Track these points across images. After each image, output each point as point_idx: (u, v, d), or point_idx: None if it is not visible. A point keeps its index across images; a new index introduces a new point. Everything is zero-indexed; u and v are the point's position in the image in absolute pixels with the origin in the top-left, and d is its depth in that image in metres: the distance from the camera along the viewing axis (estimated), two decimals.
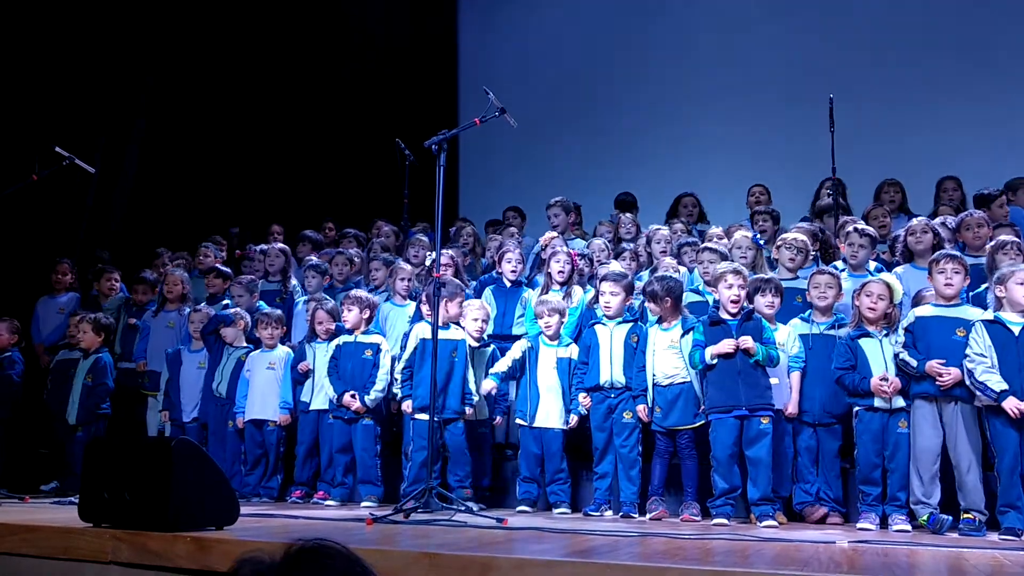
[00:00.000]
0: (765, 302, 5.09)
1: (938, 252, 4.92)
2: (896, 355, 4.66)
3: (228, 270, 7.25)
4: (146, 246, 8.36)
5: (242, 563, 1.32)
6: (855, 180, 7.27)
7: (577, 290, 6.05)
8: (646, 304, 5.35)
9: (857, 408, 4.79)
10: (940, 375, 4.47)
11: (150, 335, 6.89)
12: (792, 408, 5.02)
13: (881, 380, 4.65)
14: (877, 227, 6.36)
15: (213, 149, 9.81)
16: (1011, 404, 4.25)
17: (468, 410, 5.46)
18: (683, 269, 6.16)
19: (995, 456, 4.40)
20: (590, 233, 7.97)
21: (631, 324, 5.38)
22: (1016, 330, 4.40)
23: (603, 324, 5.43)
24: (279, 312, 6.40)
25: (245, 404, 6.09)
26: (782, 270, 5.67)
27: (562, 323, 5.59)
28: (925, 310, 4.74)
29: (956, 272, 4.68)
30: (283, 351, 6.21)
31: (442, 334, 5.16)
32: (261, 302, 6.71)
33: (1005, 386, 4.29)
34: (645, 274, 6.24)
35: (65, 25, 8.45)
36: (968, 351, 4.44)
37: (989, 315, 4.52)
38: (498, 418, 5.72)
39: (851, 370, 4.78)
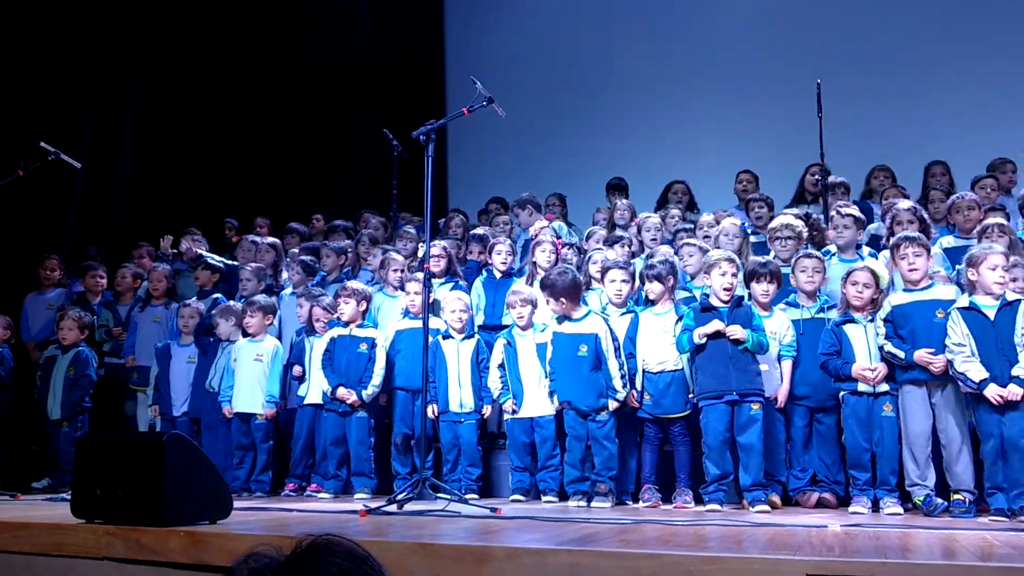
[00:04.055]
0: (761, 289, 5.09)
1: (896, 236, 4.85)
2: (881, 347, 4.63)
3: (219, 264, 7.22)
4: (132, 240, 8.31)
5: (246, 557, 1.32)
6: (844, 165, 7.27)
7: None
8: (646, 287, 5.33)
9: (842, 393, 4.80)
10: (931, 363, 4.45)
11: (137, 331, 6.87)
12: (782, 398, 5.01)
13: (864, 370, 4.65)
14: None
15: (199, 143, 9.76)
16: (992, 392, 4.22)
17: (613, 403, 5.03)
18: (677, 259, 6.13)
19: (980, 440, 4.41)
20: (577, 222, 7.98)
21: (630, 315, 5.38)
22: (991, 314, 4.35)
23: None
24: (270, 301, 6.35)
25: (231, 394, 6.05)
26: (778, 260, 5.61)
27: (533, 313, 5.57)
28: (900, 297, 4.70)
29: (918, 255, 4.64)
30: (272, 343, 6.18)
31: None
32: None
33: (985, 375, 4.25)
34: (637, 262, 6.22)
35: (51, 19, 8.37)
36: (947, 341, 4.41)
37: (964, 301, 4.45)
38: (486, 408, 5.71)
39: (835, 355, 4.78)
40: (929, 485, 4.49)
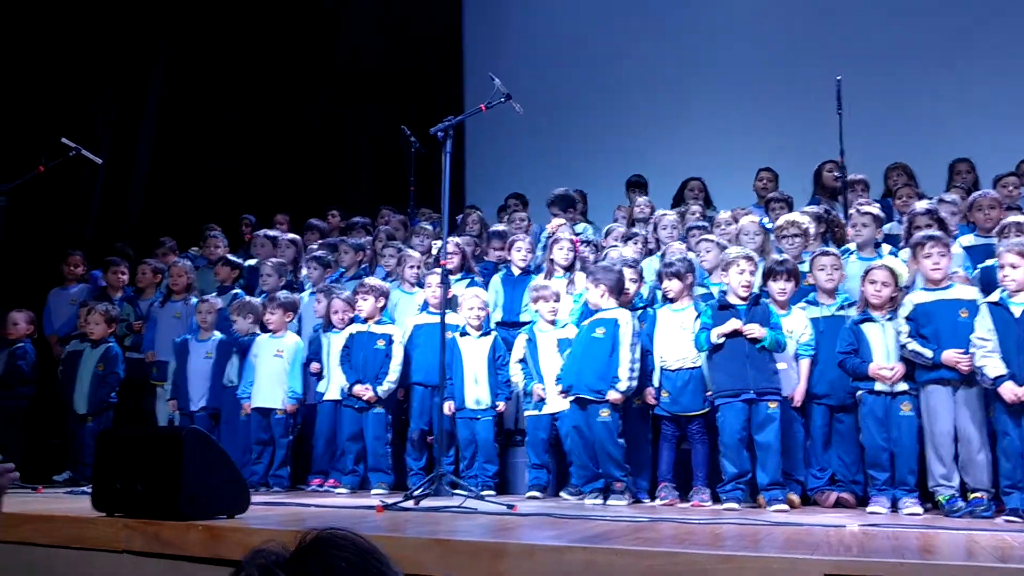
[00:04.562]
0: (778, 288, 5.05)
1: (920, 235, 4.81)
2: (903, 346, 4.58)
3: (239, 260, 7.24)
4: (151, 236, 8.37)
5: (254, 554, 1.32)
6: (863, 163, 7.19)
7: (580, 276, 6.03)
8: (664, 284, 5.31)
9: (860, 392, 4.77)
10: (959, 363, 4.40)
11: (157, 326, 6.92)
12: (799, 397, 4.98)
13: (881, 369, 4.62)
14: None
15: (219, 139, 9.81)
16: (1008, 390, 4.18)
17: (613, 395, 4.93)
18: (691, 255, 6.11)
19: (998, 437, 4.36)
20: (596, 220, 7.96)
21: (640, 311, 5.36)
22: (1017, 312, 4.30)
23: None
24: (291, 298, 6.37)
25: (251, 390, 6.08)
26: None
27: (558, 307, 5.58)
28: (921, 296, 4.65)
29: (942, 255, 4.61)
30: (292, 339, 6.20)
31: None
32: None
33: (1002, 371, 4.21)
34: (654, 259, 6.20)
35: (71, 17, 8.44)
36: (972, 335, 4.37)
37: (995, 296, 4.43)
38: (501, 404, 5.71)
39: (853, 354, 4.76)
40: (955, 485, 4.45)
